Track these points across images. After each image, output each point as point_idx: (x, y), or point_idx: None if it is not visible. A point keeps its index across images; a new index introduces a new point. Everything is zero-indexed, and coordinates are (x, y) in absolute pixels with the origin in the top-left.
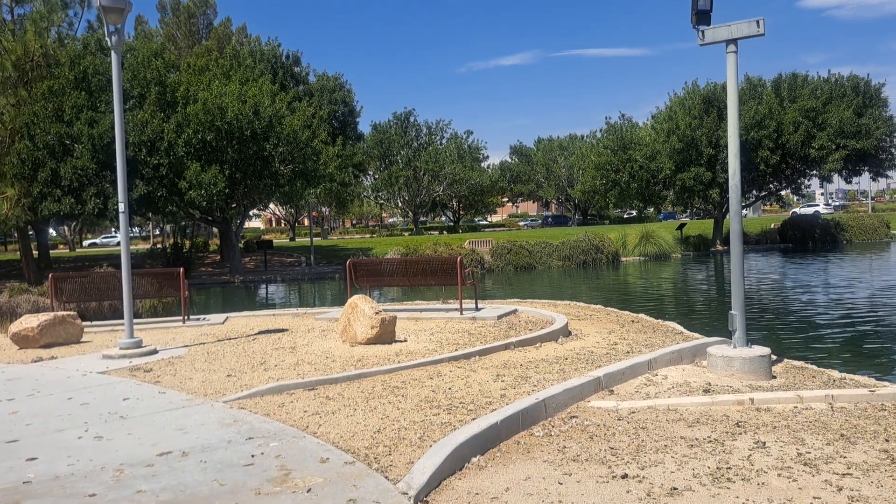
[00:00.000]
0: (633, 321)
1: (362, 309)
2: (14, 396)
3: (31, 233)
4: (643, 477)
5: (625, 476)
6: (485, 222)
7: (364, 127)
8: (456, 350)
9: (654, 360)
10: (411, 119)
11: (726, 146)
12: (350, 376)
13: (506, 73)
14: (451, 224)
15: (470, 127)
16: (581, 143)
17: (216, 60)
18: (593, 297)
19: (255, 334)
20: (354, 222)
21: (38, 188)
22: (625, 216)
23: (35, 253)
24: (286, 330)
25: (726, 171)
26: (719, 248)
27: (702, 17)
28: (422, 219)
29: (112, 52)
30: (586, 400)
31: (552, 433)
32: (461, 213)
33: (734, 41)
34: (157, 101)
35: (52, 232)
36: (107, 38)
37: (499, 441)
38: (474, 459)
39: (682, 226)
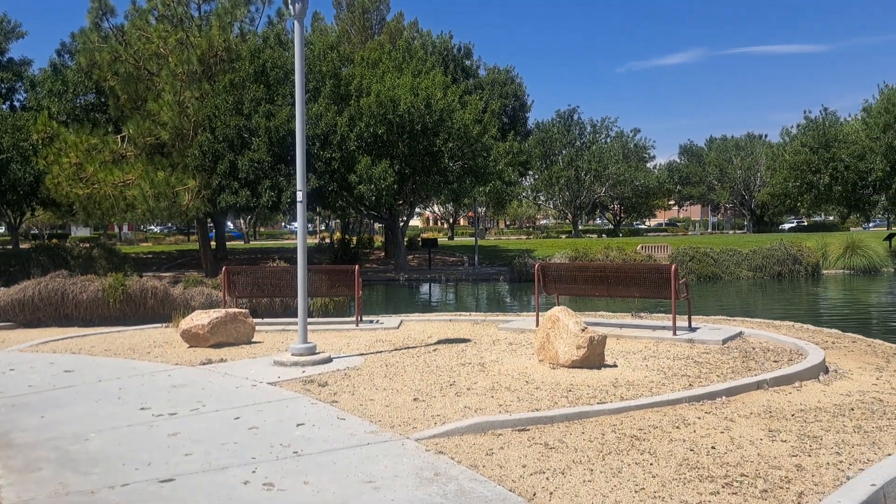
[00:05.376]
0: None
1: (565, 324)
2: (177, 410)
3: (210, 224)
4: None
5: None
6: (643, 226)
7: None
8: (690, 386)
9: None
10: (574, 117)
11: None
12: (567, 415)
13: (667, 72)
14: (611, 227)
15: (631, 127)
16: (760, 142)
17: (389, 53)
18: (807, 318)
19: (435, 343)
20: (508, 223)
21: (217, 180)
22: (805, 224)
23: (213, 244)
24: (468, 340)
25: None
26: None
27: None
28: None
29: (294, 22)
30: None
31: None
32: (622, 215)
33: None
34: (331, 95)
35: (229, 224)
36: (290, 7)
37: None
38: None
39: (891, 236)
